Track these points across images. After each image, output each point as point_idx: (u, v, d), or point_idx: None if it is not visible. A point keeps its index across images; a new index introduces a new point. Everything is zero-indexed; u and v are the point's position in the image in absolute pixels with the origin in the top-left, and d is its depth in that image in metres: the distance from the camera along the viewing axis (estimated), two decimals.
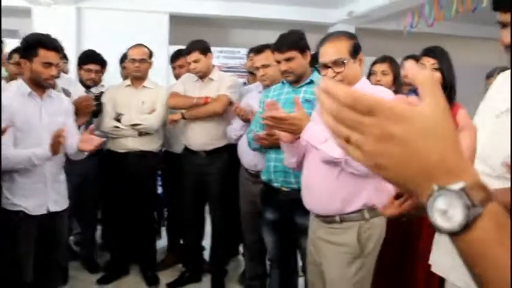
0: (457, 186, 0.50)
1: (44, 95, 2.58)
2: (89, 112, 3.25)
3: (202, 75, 3.43)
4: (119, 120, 3.49)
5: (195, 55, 3.35)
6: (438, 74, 2.59)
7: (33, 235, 2.54)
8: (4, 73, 3.49)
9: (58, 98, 2.69)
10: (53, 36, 2.57)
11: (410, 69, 0.55)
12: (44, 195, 2.55)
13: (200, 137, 3.42)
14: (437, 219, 0.52)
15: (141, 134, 3.51)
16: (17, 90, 2.53)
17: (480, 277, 0.53)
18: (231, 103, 3.35)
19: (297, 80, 2.58)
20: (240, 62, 6.70)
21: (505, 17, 1.30)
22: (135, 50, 3.57)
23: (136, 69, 3.54)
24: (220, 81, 3.43)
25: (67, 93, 3.27)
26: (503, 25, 1.32)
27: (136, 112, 3.51)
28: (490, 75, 3.12)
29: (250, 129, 2.84)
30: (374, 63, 3.11)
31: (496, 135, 1.38)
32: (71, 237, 3.97)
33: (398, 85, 3.02)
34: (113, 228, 3.78)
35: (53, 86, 2.55)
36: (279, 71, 2.64)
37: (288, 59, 2.51)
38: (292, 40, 2.54)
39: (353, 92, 0.52)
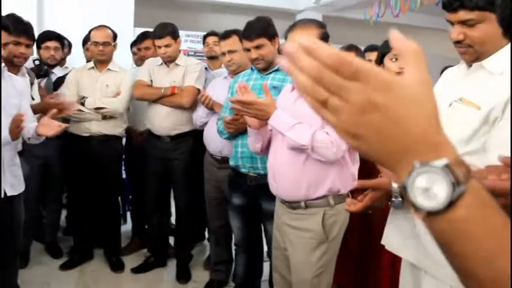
0: (441, 162, 0.48)
1: None
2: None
3: (170, 60, 3.39)
4: (82, 104, 3.41)
5: (167, 39, 3.29)
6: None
7: None
8: None
9: (10, 79, 2.58)
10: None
11: (395, 39, 0.51)
12: (0, 179, 2.46)
13: (165, 121, 3.38)
14: (418, 198, 0.48)
15: (105, 117, 3.45)
16: None
17: (459, 256, 0.50)
18: (199, 92, 3.33)
19: (266, 67, 2.58)
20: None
21: (451, 17, 1.50)
22: (98, 33, 3.47)
23: (100, 52, 3.45)
24: (186, 66, 3.39)
25: (30, 74, 3.20)
26: (451, 23, 1.50)
27: (100, 95, 3.43)
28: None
29: (220, 116, 2.84)
30: None
31: (449, 123, 1.44)
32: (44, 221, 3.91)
33: None
34: (77, 213, 3.72)
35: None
36: (247, 58, 2.64)
37: (258, 47, 2.51)
38: (261, 27, 2.53)
39: (338, 53, 0.48)
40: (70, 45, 4.36)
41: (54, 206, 3.88)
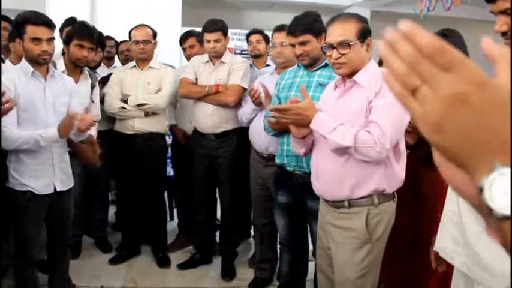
0: None
1: (48, 75, 2.57)
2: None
3: (217, 57, 3.40)
4: (125, 102, 3.49)
5: (218, 34, 3.30)
6: None
7: (41, 214, 2.60)
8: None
9: (61, 78, 2.68)
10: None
11: (486, 44, 0.50)
12: (51, 175, 2.58)
13: (210, 119, 3.39)
14: (498, 198, 0.46)
15: (148, 114, 3.50)
16: (20, 70, 2.54)
17: None
18: (244, 90, 3.34)
19: (312, 64, 2.55)
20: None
21: (492, 7, 1.46)
22: (138, 31, 3.53)
23: (140, 50, 3.51)
24: (231, 64, 3.40)
25: (92, 77, 3.30)
26: (495, 14, 1.46)
27: (142, 92, 3.50)
28: None
29: (267, 113, 2.82)
30: None
31: None
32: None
33: None
34: (126, 209, 3.81)
35: (47, 62, 2.54)
36: (294, 54, 2.61)
37: (303, 43, 2.48)
38: (307, 23, 2.50)
39: (439, 42, 0.47)
40: (117, 44, 4.43)
41: (100, 202, 4.00)
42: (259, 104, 3.08)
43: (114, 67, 4.33)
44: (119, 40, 4.41)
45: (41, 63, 2.50)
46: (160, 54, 3.79)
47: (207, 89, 3.36)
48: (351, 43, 1.97)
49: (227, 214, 3.57)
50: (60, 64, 3.13)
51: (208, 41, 3.32)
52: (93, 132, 3.06)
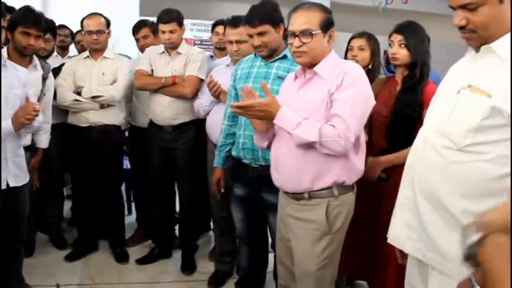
0: None
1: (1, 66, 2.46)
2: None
3: (173, 48, 3.34)
4: (79, 93, 3.40)
5: (173, 25, 3.24)
6: (404, 51, 2.54)
7: None
8: None
9: (14, 68, 2.57)
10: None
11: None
12: (4, 170, 2.47)
13: (166, 111, 3.34)
14: None
15: (103, 106, 3.44)
16: None
17: None
18: (201, 81, 3.31)
19: (270, 55, 2.51)
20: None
21: (452, 2, 1.48)
22: (90, 21, 3.43)
23: (94, 41, 3.43)
24: (188, 55, 3.35)
25: (44, 68, 3.19)
26: (454, 8, 1.49)
27: (96, 84, 3.43)
28: None
29: (227, 105, 2.79)
30: (352, 38, 3.00)
31: (457, 110, 1.50)
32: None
33: (376, 61, 2.95)
34: (81, 204, 3.73)
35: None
36: (250, 44, 2.57)
37: (261, 33, 2.43)
38: (266, 12, 2.44)
39: None
40: (73, 34, 4.34)
41: (54, 197, 3.87)
42: (217, 97, 3.05)
43: (69, 57, 4.18)
44: (74, 29, 4.29)
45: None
46: (118, 44, 3.69)
47: (163, 80, 3.31)
48: (313, 32, 1.96)
49: (186, 207, 3.53)
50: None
51: (163, 32, 3.26)
52: (43, 141, 3.19)
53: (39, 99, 3.03)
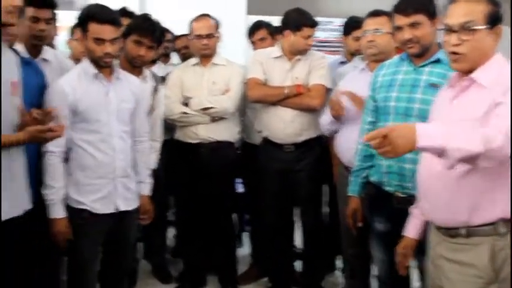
0: None
1: (112, 77, 2.72)
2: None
3: (296, 53, 3.48)
4: (187, 105, 3.60)
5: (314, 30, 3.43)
6: None
7: (100, 237, 2.73)
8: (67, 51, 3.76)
9: (126, 80, 2.82)
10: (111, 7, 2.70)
11: None
12: (113, 192, 2.71)
13: (290, 126, 3.48)
14: None
15: (215, 120, 3.59)
16: (80, 71, 2.70)
17: None
18: (328, 91, 3.40)
19: (420, 54, 2.51)
20: (334, 35, 6.62)
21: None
22: (200, 23, 3.64)
23: (204, 47, 3.62)
24: (310, 60, 3.49)
25: (156, 79, 3.39)
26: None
27: (206, 94, 3.60)
28: None
29: (363, 120, 2.82)
30: None
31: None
32: None
33: None
34: (187, 232, 3.90)
35: (109, 65, 2.69)
36: (398, 39, 2.57)
37: (413, 25, 2.45)
38: (420, 1, 2.47)
39: None
40: (174, 38, 4.56)
41: (157, 222, 3.84)
42: (337, 118, 3.14)
43: (172, 65, 4.47)
44: (174, 31, 4.53)
45: (103, 66, 2.66)
46: (224, 48, 3.86)
47: (286, 90, 3.43)
48: (476, 27, 1.93)
49: (310, 240, 3.62)
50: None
51: (306, 37, 3.43)
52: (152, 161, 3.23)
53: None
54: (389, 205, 2.56)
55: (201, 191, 3.68)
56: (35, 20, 2.90)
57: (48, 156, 2.60)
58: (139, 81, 3.04)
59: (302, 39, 3.43)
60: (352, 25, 3.78)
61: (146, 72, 3.29)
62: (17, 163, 2.34)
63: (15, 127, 2.29)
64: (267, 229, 3.72)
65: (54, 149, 2.58)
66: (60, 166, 2.63)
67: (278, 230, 3.67)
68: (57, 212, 2.62)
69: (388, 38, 3.02)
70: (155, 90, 3.36)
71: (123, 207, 2.76)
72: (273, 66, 3.54)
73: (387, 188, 2.56)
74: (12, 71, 2.35)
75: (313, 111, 3.45)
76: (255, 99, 3.60)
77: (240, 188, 4.22)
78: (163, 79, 3.75)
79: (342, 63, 3.90)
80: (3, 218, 2.21)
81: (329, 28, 6.68)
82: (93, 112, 2.65)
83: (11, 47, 2.56)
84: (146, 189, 2.95)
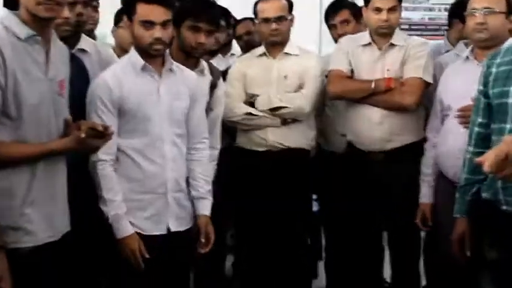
0: None
1: (163, 69, 2.73)
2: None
3: (388, 35, 3.42)
4: (252, 105, 3.59)
5: (393, 1, 3.34)
6: None
7: (148, 263, 2.67)
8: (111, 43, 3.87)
9: (182, 74, 2.82)
10: None
11: None
12: (164, 209, 2.73)
13: (377, 130, 3.42)
14: None
15: (286, 122, 3.56)
16: (127, 63, 2.73)
17: None
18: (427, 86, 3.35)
19: None
20: (429, 17, 6.50)
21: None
22: (268, 4, 3.61)
23: (273, 32, 3.59)
24: (406, 47, 3.42)
25: (214, 73, 3.37)
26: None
27: (276, 91, 3.58)
28: None
29: (473, 122, 2.71)
30: None
31: None
32: None
33: None
34: (249, 260, 3.88)
35: (161, 53, 2.70)
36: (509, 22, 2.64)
37: None
38: None
39: None
40: (234, 24, 4.54)
41: (215, 246, 4.00)
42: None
43: (232, 55, 4.49)
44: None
45: (153, 54, 2.66)
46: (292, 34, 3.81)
47: (372, 85, 3.38)
48: None
49: (403, 272, 3.57)
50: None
51: (379, 10, 3.34)
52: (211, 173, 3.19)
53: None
54: (508, 228, 2.44)
55: (267, 209, 3.62)
56: (71, 2, 2.84)
57: (99, 167, 2.60)
58: (196, 75, 3.02)
59: (372, 14, 3.38)
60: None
61: (203, 64, 3.26)
62: (58, 177, 2.34)
63: (60, 136, 2.29)
64: (347, 257, 3.70)
65: (105, 157, 2.59)
66: (115, 176, 2.65)
67: (362, 259, 3.62)
68: (126, 229, 2.63)
69: (501, 19, 2.96)
70: (214, 86, 3.34)
71: (175, 227, 2.77)
72: (361, 56, 3.51)
73: (504, 207, 2.43)
74: (61, 67, 2.35)
75: (406, 111, 3.39)
76: (334, 95, 3.58)
77: (314, 207, 4.18)
78: (223, 74, 3.69)
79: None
80: (36, 243, 2.21)
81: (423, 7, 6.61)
82: (141, 111, 2.67)
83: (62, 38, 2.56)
84: (206, 207, 2.92)
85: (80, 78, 2.71)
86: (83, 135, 2.16)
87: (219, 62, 3.99)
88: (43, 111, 2.19)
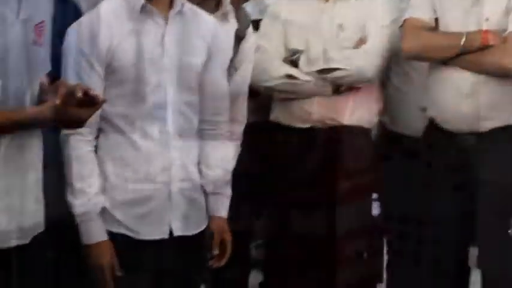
0: None
1: (171, 12, 2.57)
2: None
3: None
4: (294, 63, 3.41)
5: None
6: None
7: (146, 274, 2.59)
8: None
9: (196, 18, 2.69)
10: None
11: None
12: (166, 205, 2.59)
13: (467, 103, 3.24)
14: None
15: (340, 90, 3.42)
16: (121, 2, 2.58)
17: None
18: None
19: None
20: None
21: None
22: None
23: None
24: None
25: (241, 19, 3.29)
26: None
27: (329, 46, 3.48)
28: None
29: None
30: None
31: None
32: None
33: None
34: (282, 278, 3.70)
35: None
36: None
37: None
38: None
39: None
40: None
41: (231, 257, 3.87)
42: None
43: None
44: None
45: None
46: None
47: (462, 41, 3.16)
48: None
49: None
50: None
51: None
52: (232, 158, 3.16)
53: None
54: None
55: (309, 210, 3.51)
56: None
57: (71, 142, 2.46)
58: (216, 20, 2.90)
59: None
60: None
61: (227, 6, 3.18)
62: (30, 158, 2.18)
63: (34, 100, 2.13)
64: (422, 276, 3.44)
65: (81, 129, 2.37)
66: (93, 157, 2.52)
67: (442, 280, 3.37)
68: (97, 233, 2.50)
69: None
70: (240, 37, 3.28)
71: (181, 231, 2.62)
72: (452, 1, 3.33)
73: None
74: (39, 7, 2.16)
75: (509, 77, 3.21)
76: (410, 54, 3.41)
77: (375, 210, 3.94)
78: (255, 24, 3.61)
79: None
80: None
81: None
82: (138, 69, 2.52)
83: None
84: (222, 206, 2.81)
85: (68, 20, 2.61)
86: (57, 101, 1.93)
87: (254, 8, 3.94)
88: (10, 66, 2.02)
